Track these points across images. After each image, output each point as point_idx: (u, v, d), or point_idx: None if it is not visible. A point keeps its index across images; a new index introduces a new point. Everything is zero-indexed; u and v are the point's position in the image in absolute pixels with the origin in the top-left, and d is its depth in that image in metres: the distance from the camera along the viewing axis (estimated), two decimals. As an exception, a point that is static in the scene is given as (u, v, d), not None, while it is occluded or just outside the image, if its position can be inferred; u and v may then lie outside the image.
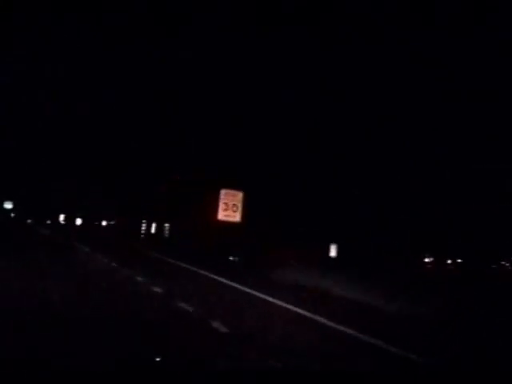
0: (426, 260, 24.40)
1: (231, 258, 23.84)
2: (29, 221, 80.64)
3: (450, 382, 3.15)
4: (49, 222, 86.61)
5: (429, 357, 6.22)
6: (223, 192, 26.78)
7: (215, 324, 7.47)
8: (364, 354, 6.73)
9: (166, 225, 43.88)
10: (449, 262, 24.09)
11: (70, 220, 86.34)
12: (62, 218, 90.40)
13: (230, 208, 26.82)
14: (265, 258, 21.75)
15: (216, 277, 15.39)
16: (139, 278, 12.92)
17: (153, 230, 48.55)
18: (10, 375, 2.58)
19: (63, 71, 41.00)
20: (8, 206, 69.06)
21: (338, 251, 30.29)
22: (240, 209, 26.98)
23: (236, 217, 26.97)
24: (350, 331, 7.94)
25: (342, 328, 8.17)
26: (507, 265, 21.11)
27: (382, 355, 6.66)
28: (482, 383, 3.19)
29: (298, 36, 30.66)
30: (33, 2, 32.55)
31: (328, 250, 31.56)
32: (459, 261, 23.91)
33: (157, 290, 10.93)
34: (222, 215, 26.60)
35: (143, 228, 51.62)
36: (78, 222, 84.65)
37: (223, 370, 3.05)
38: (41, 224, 76.31)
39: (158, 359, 3.31)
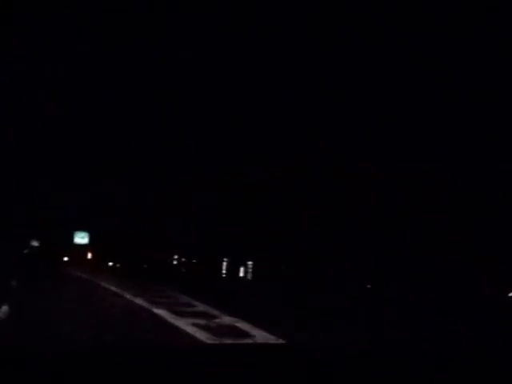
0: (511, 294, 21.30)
1: None
2: (110, 263, 52.35)
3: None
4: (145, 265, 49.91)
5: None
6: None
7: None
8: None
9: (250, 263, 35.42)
10: None
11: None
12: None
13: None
14: None
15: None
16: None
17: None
18: None
19: (63, 71, 41.00)
20: (82, 240, 42.53)
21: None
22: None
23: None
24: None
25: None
26: None
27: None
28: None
29: (298, 36, 30.67)
30: (33, 2, 32.56)
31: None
32: None
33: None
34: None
35: (224, 270, 38.96)
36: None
37: None
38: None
39: None
